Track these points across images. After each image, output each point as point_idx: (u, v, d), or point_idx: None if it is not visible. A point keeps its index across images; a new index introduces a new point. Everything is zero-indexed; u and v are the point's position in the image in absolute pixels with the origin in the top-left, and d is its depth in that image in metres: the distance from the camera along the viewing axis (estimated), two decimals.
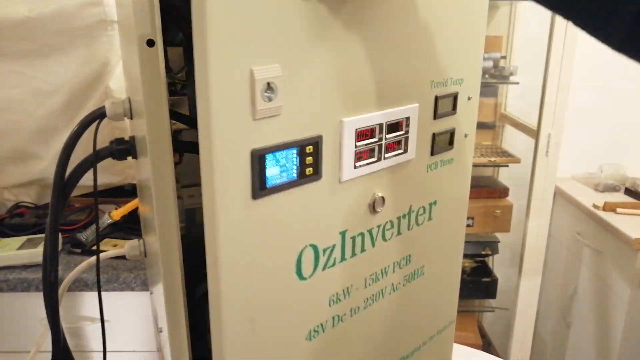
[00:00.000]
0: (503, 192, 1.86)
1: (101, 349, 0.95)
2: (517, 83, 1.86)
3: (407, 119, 0.73)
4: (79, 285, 1.32)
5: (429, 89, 0.75)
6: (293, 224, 0.63)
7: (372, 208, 0.72)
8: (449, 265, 0.93)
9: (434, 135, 0.79)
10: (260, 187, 0.58)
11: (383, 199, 0.73)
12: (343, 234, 0.70)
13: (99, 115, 0.76)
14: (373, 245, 0.75)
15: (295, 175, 0.61)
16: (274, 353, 0.66)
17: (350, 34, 0.63)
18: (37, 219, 1.52)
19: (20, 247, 1.34)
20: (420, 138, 0.77)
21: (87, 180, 0.83)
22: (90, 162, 0.78)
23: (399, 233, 0.79)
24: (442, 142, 0.81)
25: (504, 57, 2.05)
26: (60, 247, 1.40)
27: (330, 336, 0.73)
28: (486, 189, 1.85)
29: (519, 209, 1.83)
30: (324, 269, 0.69)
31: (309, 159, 0.62)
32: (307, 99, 0.60)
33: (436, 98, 0.77)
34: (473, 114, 0.86)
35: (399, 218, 0.78)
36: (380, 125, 0.69)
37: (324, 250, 0.68)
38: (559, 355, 2.22)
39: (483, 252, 1.91)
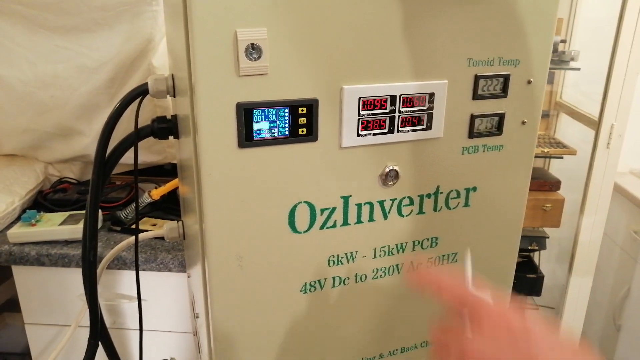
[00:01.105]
0: (554, 185, 1.63)
1: (138, 327, 1.01)
2: (579, 69, 1.58)
3: (431, 94, 0.71)
4: (118, 263, 1.29)
5: (464, 67, 0.72)
6: (285, 178, 0.68)
7: (384, 180, 0.73)
8: (495, 260, 0.87)
9: (472, 116, 0.75)
10: (246, 137, 0.64)
11: (397, 172, 0.74)
12: (346, 199, 0.73)
13: (141, 92, 0.75)
14: (385, 217, 0.76)
15: (286, 132, 0.66)
16: (264, 295, 0.73)
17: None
18: (79, 195, 1.51)
19: (62, 223, 1.34)
20: (451, 117, 0.74)
21: (127, 158, 0.85)
22: (132, 140, 0.80)
23: (420, 212, 0.78)
24: (486, 126, 0.77)
25: (563, 41, 1.83)
26: (100, 225, 1.40)
27: (329, 295, 0.77)
28: (536, 181, 1.60)
29: (570, 203, 1.60)
30: (322, 227, 0.73)
31: (302, 120, 0.66)
32: (301, 63, 0.64)
33: (476, 77, 0.73)
34: (535, 99, 0.78)
35: (420, 197, 0.77)
36: (392, 97, 0.70)
37: (322, 210, 0.72)
38: (607, 358, 2.04)
39: (530, 247, 1.68)
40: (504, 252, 0.87)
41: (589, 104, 1.72)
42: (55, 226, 1.33)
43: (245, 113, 0.63)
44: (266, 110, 0.64)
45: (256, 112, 0.64)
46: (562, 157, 1.65)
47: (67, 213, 1.42)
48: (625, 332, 1.98)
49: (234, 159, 0.65)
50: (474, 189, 0.80)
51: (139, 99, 0.84)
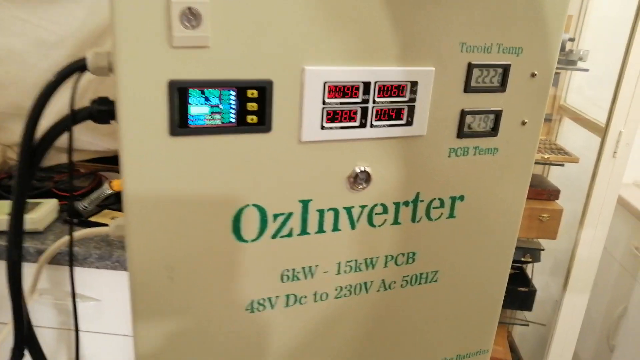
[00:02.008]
0: (553, 194, 1.52)
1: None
2: (587, 70, 1.46)
3: (414, 84, 0.59)
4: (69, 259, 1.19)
5: (455, 52, 0.60)
6: (229, 176, 0.56)
7: (352, 183, 0.61)
8: (482, 281, 0.75)
9: (463, 112, 0.63)
10: (180, 123, 0.52)
11: (368, 175, 0.61)
12: (305, 203, 0.61)
13: (78, 67, 0.62)
14: (353, 227, 0.64)
15: (232, 119, 0.54)
16: (201, 314, 0.61)
17: None
18: (36, 182, 1.37)
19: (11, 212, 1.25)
20: (438, 112, 0.62)
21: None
22: (66, 124, 0.66)
23: (396, 222, 0.66)
24: (478, 124, 0.65)
25: (572, 40, 1.71)
26: (56, 215, 1.30)
27: (281, 316, 0.65)
28: (533, 189, 1.49)
29: (569, 214, 1.50)
30: (275, 236, 0.61)
31: (252, 105, 0.54)
32: (252, 34, 0.52)
33: (469, 66, 0.61)
34: (538, 96, 0.66)
35: (396, 204, 0.65)
36: (366, 84, 0.57)
37: (275, 216, 0.60)
38: None
39: (523, 259, 1.57)
40: (493, 272, 0.75)
41: (593, 109, 1.60)
42: (3, 215, 1.19)
43: (180, 93, 0.51)
44: (206, 91, 0.52)
45: (193, 93, 0.52)
46: (562, 165, 1.53)
47: None
48: (620, 353, 1.87)
49: (164, 149, 0.53)
50: (461, 198, 0.68)
51: (76, 76, 0.72)
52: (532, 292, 1.63)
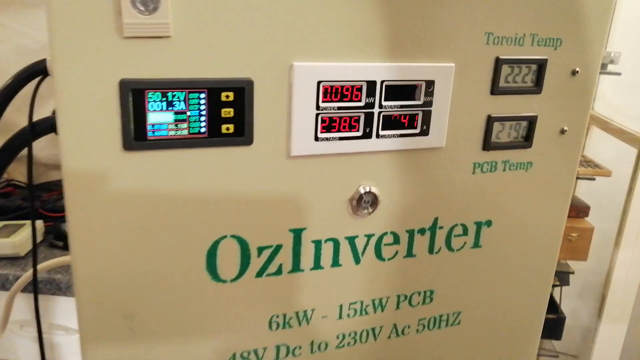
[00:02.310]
0: (582, 210, 1.38)
1: None
2: (619, 74, 1.33)
3: (430, 83, 0.48)
4: (51, 287, 1.09)
5: (479, 45, 0.49)
6: (201, 200, 0.45)
7: (355, 207, 0.50)
8: (514, 322, 0.63)
9: (489, 119, 0.52)
10: (136, 134, 0.41)
11: (375, 197, 0.50)
12: (297, 233, 0.49)
13: (36, 71, 0.54)
14: (357, 261, 0.52)
15: (202, 129, 0.43)
16: None
17: None
18: (22, 202, 1.29)
19: None
20: (459, 119, 0.51)
21: None
22: (25, 137, 0.58)
23: (410, 254, 0.54)
24: (508, 134, 0.53)
25: None
26: (41, 238, 1.24)
27: None
28: None
29: (600, 233, 1.36)
30: (260, 274, 0.49)
31: (228, 111, 0.43)
32: (226, 21, 0.41)
33: (497, 61, 0.50)
34: (581, 98, 0.55)
35: (410, 233, 0.53)
36: (371, 84, 0.46)
37: (260, 249, 0.48)
38: None
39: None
40: (527, 310, 0.63)
41: (620, 117, 1.47)
42: None
43: (135, 97, 0.40)
44: (169, 94, 0.41)
45: (152, 97, 0.41)
46: (593, 179, 1.40)
47: (2, 223, 1.18)
48: None
49: (117, 168, 0.42)
50: (488, 223, 0.56)
51: (36, 81, 0.62)
52: (561, 320, 1.48)
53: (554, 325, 1.46)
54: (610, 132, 1.49)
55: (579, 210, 1.37)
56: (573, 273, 1.44)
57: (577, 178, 1.44)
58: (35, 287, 0.74)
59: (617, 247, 1.28)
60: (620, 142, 1.44)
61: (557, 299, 1.53)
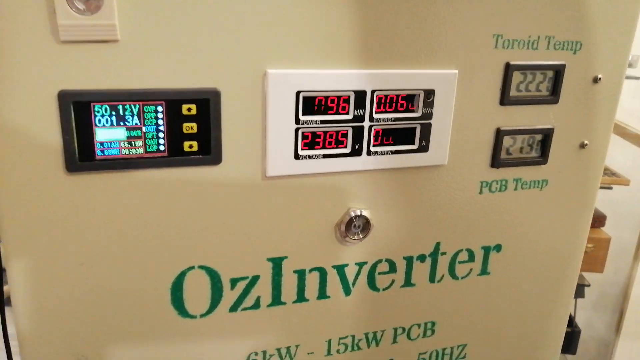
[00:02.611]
0: (598, 220, 1.32)
1: None
2: (639, 78, 1.24)
3: (429, 93, 0.41)
4: None
5: (487, 49, 0.42)
6: (163, 227, 0.39)
7: (344, 232, 0.43)
8: (528, 357, 0.56)
9: (499, 132, 0.45)
10: (81, 154, 0.35)
11: (366, 220, 0.44)
12: (277, 262, 0.43)
13: None
14: (347, 292, 0.46)
15: (162, 147, 0.37)
16: None
17: None
18: None
19: None
20: (463, 132, 0.44)
21: None
22: None
23: (408, 284, 0.48)
24: (520, 148, 0.47)
25: None
26: None
27: None
28: None
29: (616, 243, 1.29)
30: (235, 309, 0.43)
31: (190, 126, 0.37)
32: (185, 21, 0.35)
33: (507, 67, 0.43)
34: (605, 108, 0.48)
35: (408, 260, 0.47)
36: (360, 94, 0.40)
37: (234, 281, 0.43)
38: None
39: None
40: (542, 340, 0.56)
41: (634, 121, 1.39)
42: None
43: (78, 111, 0.34)
44: (120, 107, 0.35)
45: (100, 110, 0.35)
46: (610, 188, 1.32)
47: None
48: None
49: (60, 193, 0.36)
50: (498, 248, 0.49)
51: None
52: (576, 333, 1.41)
53: (568, 339, 1.38)
54: (627, 138, 1.41)
55: (594, 219, 1.29)
56: (589, 286, 1.36)
57: None
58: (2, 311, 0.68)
59: (636, 261, 1.21)
60: (638, 149, 1.36)
61: (572, 312, 1.46)
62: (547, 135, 0.47)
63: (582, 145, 0.49)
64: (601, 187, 1.35)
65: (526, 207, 0.49)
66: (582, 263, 1.35)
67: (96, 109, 0.35)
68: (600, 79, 0.47)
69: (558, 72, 0.45)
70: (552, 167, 0.48)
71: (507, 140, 0.46)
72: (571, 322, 1.44)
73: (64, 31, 0.33)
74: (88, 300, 0.39)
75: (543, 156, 0.48)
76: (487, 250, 0.50)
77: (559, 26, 0.44)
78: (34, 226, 0.36)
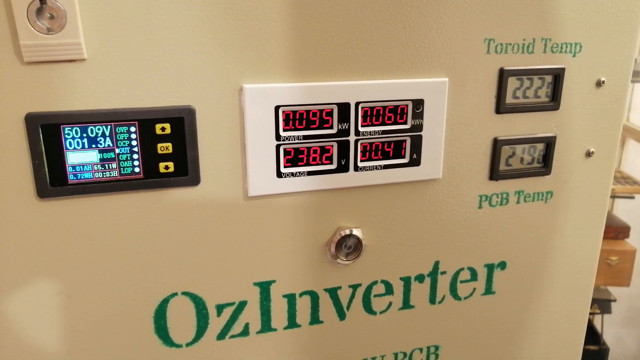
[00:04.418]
0: (622, 231, 1.26)
1: None
2: None
3: (418, 103, 0.39)
4: None
5: (478, 54, 0.40)
6: (142, 253, 0.37)
7: (334, 253, 0.41)
8: None
9: (496, 142, 0.43)
10: (53, 179, 0.34)
11: (357, 240, 0.41)
12: (264, 287, 0.41)
13: None
14: (341, 316, 0.44)
15: (137, 169, 0.35)
16: None
17: None
18: None
19: None
20: (457, 144, 0.42)
21: None
22: None
23: (406, 306, 0.45)
24: (521, 159, 0.44)
25: None
26: None
27: None
28: None
29: None
30: (222, 336, 0.41)
31: (165, 146, 0.36)
32: (155, 36, 0.33)
33: (501, 73, 0.41)
34: (611, 113, 0.45)
35: (405, 280, 0.45)
36: (344, 106, 0.38)
37: (220, 308, 0.40)
38: None
39: (590, 311, 1.30)
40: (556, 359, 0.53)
41: None
42: None
43: (47, 134, 0.33)
44: (90, 128, 0.34)
45: (70, 133, 0.34)
46: (632, 197, 1.27)
47: None
48: None
49: (31, 219, 0.35)
50: (502, 265, 0.46)
51: None
52: (604, 352, 1.35)
53: (596, 358, 1.32)
54: None
55: (618, 231, 1.25)
56: (615, 301, 1.31)
57: (614, 197, 1.31)
58: None
59: None
60: None
61: (599, 328, 1.40)
62: (549, 144, 0.44)
63: (588, 154, 0.46)
64: (623, 197, 1.31)
65: (531, 221, 0.46)
66: (607, 277, 1.29)
67: (66, 131, 0.34)
68: (603, 82, 0.44)
69: (557, 77, 0.43)
70: (557, 177, 0.46)
71: (505, 151, 0.43)
72: (598, 339, 1.38)
73: (28, 52, 0.32)
74: (67, 330, 0.38)
75: (546, 166, 0.45)
76: (490, 268, 0.47)
77: (556, 27, 0.41)
78: (6, 255, 0.35)
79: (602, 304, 1.33)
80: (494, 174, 0.44)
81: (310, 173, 0.39)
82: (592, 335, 1.39)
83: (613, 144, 0.46)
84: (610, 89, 0.44)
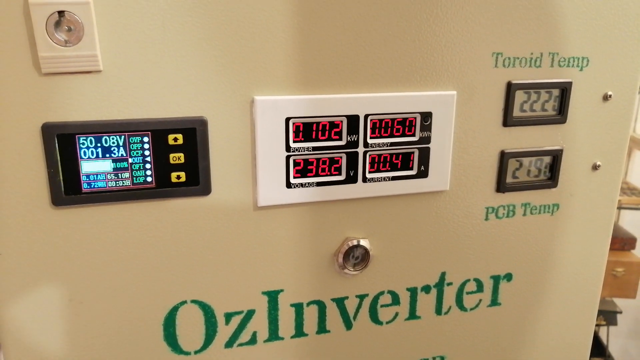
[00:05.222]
0: (628, 242, 1.27)
1: None
2: None
3: (426, 115, 0.40)
4: None
5: (486, 68, 0.41)
6: (153, 261, 0.38)
7: (342, 263, 0.42)
8: None
9: (503, 155, 0.43)
10: (67, 187, 0.35)
11: (365, 251, 0.42)
12: (273, 296, 0.41)
13: None
14: (348, 326, 0.44)
15: (149, 179, 0.36)
16: None
17: None
18: None
19: None
20: (464, 156, 0.42)
21: None
22: None
23: (413, 316, 0.46)
24: (527, 171, 0.44)
25: None
26: None
27: None
28: None
29: None
30: (230, 345, 0.42)
31: (177, 156, 0.36)
32: (168, 49, 0.34)
33: (509, 87, 0.41)
34: (617, 127, 0.45)
35: (412, 291, 0.45)
36: (353, 119, 0.38)
37: (228, 316, 0.41)
38: None
39: (595, 323, 1.30)
40: None
41: None
42: None
43: (62, 143, 0.34)
44: (105, 138, 0.34)
45: (85, 142, 0.34)
46: (638, 208, 1.27)
47: None
48: None
49: (46, 227, 0.35)
50: (508, 277, 0.47)
51: None
52: None
53: None
54: None
55: (624, 242, 1.25)
56: (621, 312, 1.30)
57: (620, 208, 1.31)
58: None
59: None
60: None
61: (604, 340, 1.39)
62: (555, 157, 0.45)
63: (595, 167, 0.46)
64: (629, 208, 1.31)
65: (537, 234, 0.47)
66: (612, 288, 1.29)
67: (81, 141, 0.34)
68: (610, 96, 0.44)
69: (564, 91, 0.43)
70: (563, 190, 0.46)
71: (512, 163, 0.44)
72: (604, 351, 1.38)
73: (46, 63, 0.32)
74: (78, 337, 0.38)
75: (552, 179, 0.45)
76: (496, 279, 0.47)
77: (563, 42, 0.42)
78: (20, 262, 0.35)
79: (607, 315, 1.32)
80: (501, 186, 0.44)
81: (319, 184, 0.39)
82: (598, 347, 1.38)
83: (619, 158, 0.46)
84: (617, 103, 0.45)
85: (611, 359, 1.33)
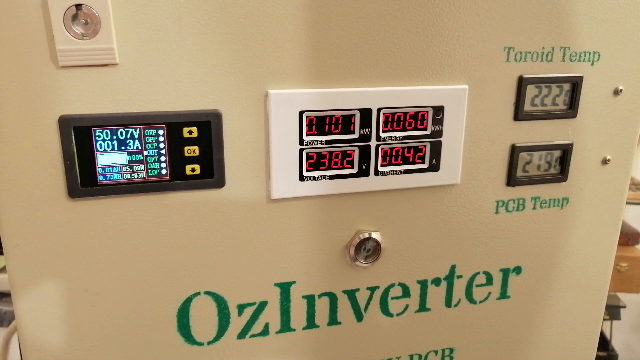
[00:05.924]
0: (632, 237, 1.27)
1: None
2: None
3: (438, 110, 0.40)
4: None
5: (498, 62, 0.41)
6: (167, 253, 0.38)
7: (353, 256, 0.42)
8: None
9: (514, 148, 0.43)
10: (83, 180, 0.35)
11: (376, 243, 0.42)
12: (285, 288, 0.42)
13: None
14: (359, 318, 0.45)
15: (164, 171, 0.36)
16: None
17: None
18: None
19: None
20: (475, 150, 0.42)
21: None
22: None
23: (423, 308, 0.46)
24: (538, 166, 0.45)
25: None
26: None
27: None
28: None
29: None
30: (242, 336, 0.42)
31: (192, 149, 0.36)
32: (184, 43, 0.34)
33: (520, 81, 0.41)
34: (628, 121, 0.46)
35: (422, 284, 0.45)
36: (365, 112, 0.39)
37: (241, 307, 0.41)
38: None
39: None
40: None
41: None
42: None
43: (79, 136, 0.34)
44: (120, 130, 0.35)
45: (101, 135, 0.35)
46: None
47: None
48: None
49: (62, 219, 0.36)
50: (517, 270, 0.47)
51: None
52: (612, 358, 1.35)
53: None
54: None
55: (628, 237, 1.25)
56: (624, 307, 1.31)
57: (625, 203, 1.31)
58: None
59: None
60: None
61: (607, 335, 1.39)
62: (566, 151, 0.45)
63: (605, 161, 0.46)
64: (634, 203, 1.30)
65: (546, 227, 0.47)
66: (616, 283, 1.29)
67: (97, 133, 0.35)
68: (621, 90, 0.45)
69: (575, 85, 0.43)
70: (573, 184, 0.46)
71: (523, 157, 0.44)
72: (607, 345, 1.38)
73: (63, 56, 0.33)
74: (94, 327, 0.39)
75: (562, 173, 0.46)
76: (506, 272, 0.47)
77: (575, 36, 0.42)
78: (37, 254, 0.36)
79: (611, 310, 1.32)
80: (511, 180, 0.44)
81: (331, 177, 0.40)
82: (601, 341, 1.38)
83: (629, 152, 0.47)
84: (628, 98, 0.45)
85: (614, 353, 1.33)
